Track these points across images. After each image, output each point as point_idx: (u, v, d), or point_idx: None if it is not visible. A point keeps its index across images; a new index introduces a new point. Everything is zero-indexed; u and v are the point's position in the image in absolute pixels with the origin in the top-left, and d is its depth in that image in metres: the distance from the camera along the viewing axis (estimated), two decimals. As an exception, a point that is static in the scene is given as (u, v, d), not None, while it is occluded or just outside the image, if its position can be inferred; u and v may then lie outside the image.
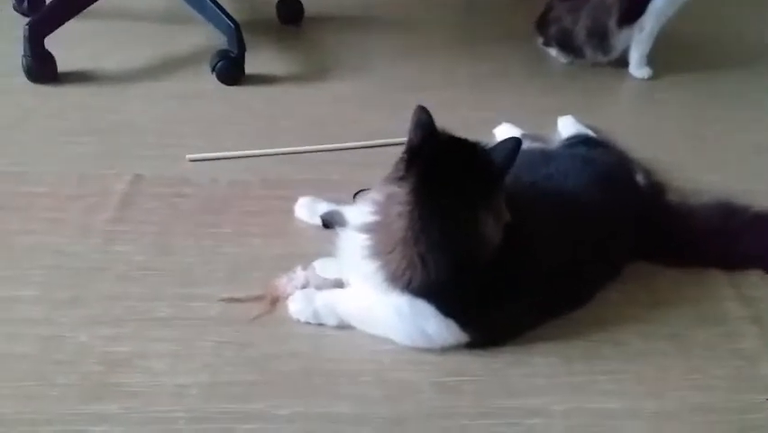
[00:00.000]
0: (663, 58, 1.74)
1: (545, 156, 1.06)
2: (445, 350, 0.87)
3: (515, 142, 0.82)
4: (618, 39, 1.68)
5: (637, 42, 1.69)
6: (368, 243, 0.81)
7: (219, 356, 0.86)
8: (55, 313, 0.90)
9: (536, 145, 1.21)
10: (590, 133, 1.31)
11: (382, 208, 0.81)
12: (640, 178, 1.07)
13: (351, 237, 0.85)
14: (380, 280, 0.81)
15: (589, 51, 1.70)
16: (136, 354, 0.85)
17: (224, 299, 0.93)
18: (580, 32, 1.67)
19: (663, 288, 1.01)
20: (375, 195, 0.84)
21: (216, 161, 1.24)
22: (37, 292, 0.93)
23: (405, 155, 0.82)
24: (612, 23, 1.65)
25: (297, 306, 0.90)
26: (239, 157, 1.25)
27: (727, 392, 0.86)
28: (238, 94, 1.49)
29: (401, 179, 0.81)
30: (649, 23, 1.65)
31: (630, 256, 1.02)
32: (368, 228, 0.82)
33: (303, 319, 0.90)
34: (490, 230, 0.81)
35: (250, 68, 1.53)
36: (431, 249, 0.78)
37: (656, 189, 1.10)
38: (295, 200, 1.11)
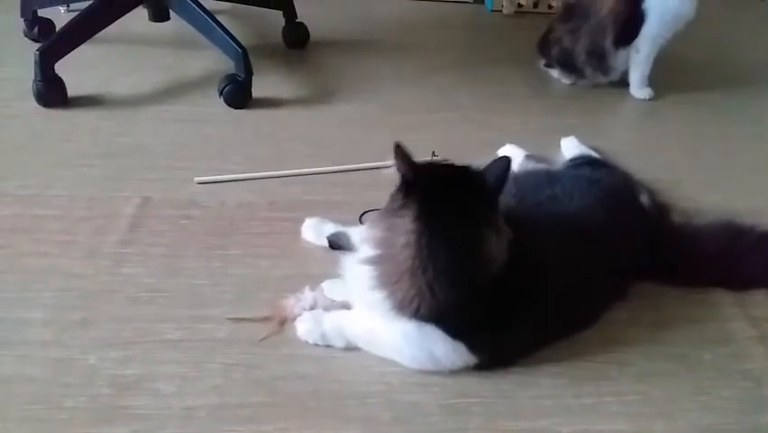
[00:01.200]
0: (664, 78, 1.76)
1: (550, 177, 1.07)
2: (453, 372, 0.87)
3: (506, 162, 0.83)
4: (616, 59, 1.70)
5: (635, 64, 1.71)
6: (373, 274, 0.82)
7: (227, 378, 0.86)
8: (64, 335, 0.91)
9: (541, 166, 1.22)
10: (594, 153, 1.33)
11: (385, 241, 0.82)
12: (644, 199, 1.08)
13: (355, 266, 0.85)
14: (388, 309, 0.81)
15: (589, 72, 1.73)
16: (145, 376, 0.86)
17: (231, 319, 0.94)
18: (580, 52, 1.70)
19: (670, 308, 1.02)
20: (374, 232, 0.84)
21: (224, 184, 1.25)
22: (47, 314, 0.94)
23: (401, 187, 0.82)
24: (608, 43, 1.67)
25: (305, 327, 0.91)
26: (246, 179, 1.27)
27: (736, 414, 0.86)
28: (245, 117, 1.50)
29: (401, 208, 0.81)
30: (644, 46, 1.67)
31: (636, 277, 1.02)
32: (372, 261, 0.82)
33: (311, 341, 0.90)
34: (495, 247, 0.81)
35: (257, 91, 1.55)
36: (440, 275, 0.78)
37: (661, 210, 1.11)
38: (302, 222, 1.11)
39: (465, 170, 0.85)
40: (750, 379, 0.91)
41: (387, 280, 0.81)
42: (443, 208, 0.80)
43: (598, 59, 1.70)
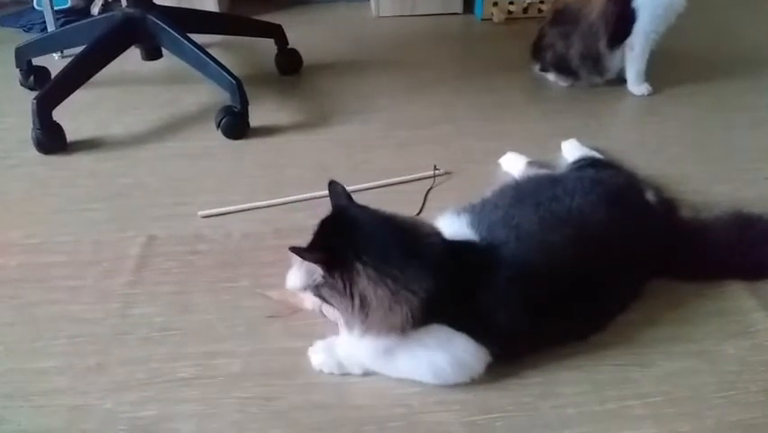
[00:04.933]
0: (660, 72, 1.75)
1: (552, 180, 1.06)
2: (473, 387, 0.86)
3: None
4: (612, 60, 1.70)
5: (630, 61, 1.70)
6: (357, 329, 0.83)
7: (245, 412, 0.85)
8: (80, 382, 0.90)
9: (543, 171, 1.21)
10: (596, 154, 1.32)
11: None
12: (650, 196, 1.06)
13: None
14: (384, 339, 0.82)
15: (584, 74, 1.72)
16: (162, 417, 0.85)
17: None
18: (574, 56, 1.70)
19: (686, 304, 1.00)
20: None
21: (229, 215, 1.25)
22: (61, 362, 0.94)
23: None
24: (602, 46, 1.67)
25: (319, 359, 0.90)
26: (250, 209, 1.27)
27: (765, 407, 0.84)
28: (244, 147, 1.51)
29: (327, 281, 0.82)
30: (638, 43, 1.67)
31: (648, 276, 1.01)
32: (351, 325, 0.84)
33: (327, 371, 0.89)
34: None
35: (254, 120, 1.56)
36: (398, 274, 0.80)
37: (668, 206, 1.09)
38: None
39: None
40: (776, 370, 0.89)
41: (369, 325, 0.81)
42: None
43: (594, 62, 1.69)
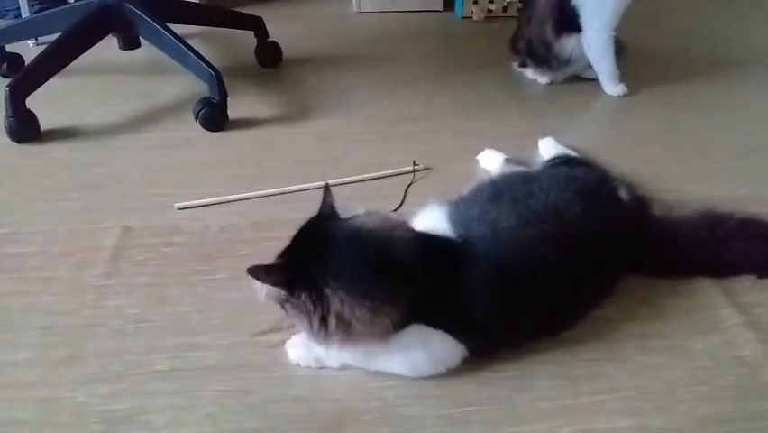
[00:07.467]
0: (637, 73, 1.78)
1: (527, 177, 1.06)
2: (448, 381, 0.86)
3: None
4: (563, 48, 1.70)
5: (595, 63, 1.72)
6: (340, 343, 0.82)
7: (221, 405, 0.85)
8: (51, 374, 0.89)
9: (519, 168, 1.22)
10: (572, 153, 1.33)
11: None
12: (623, 193, 1.08)
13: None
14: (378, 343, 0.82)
15: (554, 62, 1.73)
16: (137, 409, 0.84)
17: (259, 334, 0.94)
18: (536, 41, 1.72)
19: (658, 301, 1.02)
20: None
21: (206, 208, 1.24)
22: (31, 354, 0.92)
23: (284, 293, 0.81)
24: (549, 32, 1.68)
25: (297, 353, 0.89)
26: (228, 201, 1.26)
27: (734, 402, 0.86)
28: (223, 139, 1.50)
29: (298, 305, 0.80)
30: (594, 41, 1.67)
31: (621, 272, 1.02)
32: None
33: (304, 365, 0.89)
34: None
35: (233, 112, 1.54)
36: (371, 282, 0.79)
37: (641, 204, 1.11)
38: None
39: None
40: (744, 366, 0.91)
41: (349, 339, 0.81)
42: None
43: (547, 47, 1.71)
